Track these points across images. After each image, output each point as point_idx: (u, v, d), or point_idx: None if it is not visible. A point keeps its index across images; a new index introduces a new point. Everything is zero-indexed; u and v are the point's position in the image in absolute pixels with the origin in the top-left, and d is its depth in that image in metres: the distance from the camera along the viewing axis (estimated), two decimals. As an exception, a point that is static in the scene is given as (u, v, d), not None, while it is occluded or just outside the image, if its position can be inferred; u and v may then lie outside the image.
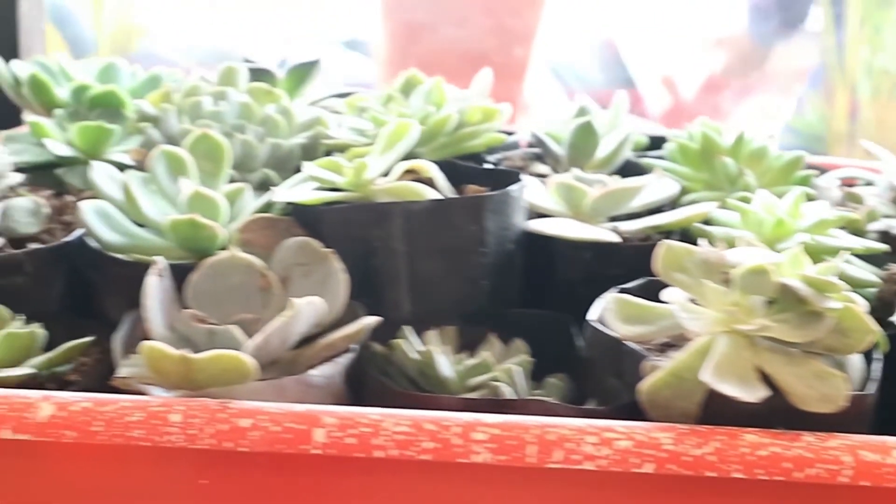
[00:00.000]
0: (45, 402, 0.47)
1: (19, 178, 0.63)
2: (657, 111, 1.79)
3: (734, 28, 1.78)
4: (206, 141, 0.63)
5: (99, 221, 0.59)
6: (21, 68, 0.77)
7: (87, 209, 0.59)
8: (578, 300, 0.59)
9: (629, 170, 0.71)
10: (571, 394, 0.55)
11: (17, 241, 0.61)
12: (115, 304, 0.59)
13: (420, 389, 0.54)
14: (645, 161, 0.72)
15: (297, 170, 0.68)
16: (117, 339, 0.54)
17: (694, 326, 0.48)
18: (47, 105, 0.75)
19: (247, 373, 0.49)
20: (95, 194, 0.61)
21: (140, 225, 0.60)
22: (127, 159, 0.69)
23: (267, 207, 0.60)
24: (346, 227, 0.57)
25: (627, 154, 0.73)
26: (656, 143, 0.79)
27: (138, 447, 0.47)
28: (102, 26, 1.81)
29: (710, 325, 0.48)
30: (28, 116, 0.73)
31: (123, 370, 0.52)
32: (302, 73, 0.78)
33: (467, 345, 0.57)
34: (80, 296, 0.61)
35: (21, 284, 0.58)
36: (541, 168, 0.73)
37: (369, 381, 0.53)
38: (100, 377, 0.54)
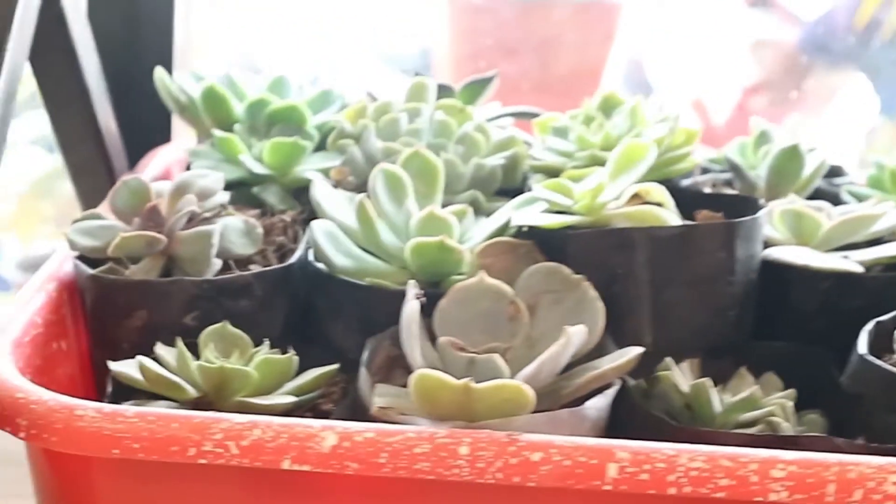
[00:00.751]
0: (329, 432, 0.45)
1: (227, 196, 0.61)
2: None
3: (781, 39, 1.74)
4: (419, 160, 0.61)
5: (329, 244, 0.57)
6: (188, 82, 0.76)
7: (319, 231, 0.57)
8: (813, 331, 0.58)
9: (820, 195, 0.70)
10: (830, 429, 0.53)
11: (232, 263, 0.59)
12: (342, 328, 0.57)
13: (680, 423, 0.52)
14: (847, 187, 0.70)
15: (500, 191, 0.67)
16: (364, 367, 0.52)
17: None
18: (222, 120, 0.73)
19: (526, 404, 0.47)
20: (318, 214, 0.59)
21: (360, 246, 0.59)
22: (317, 176, 0.67)
23: (501, 230, 0.58)
24: (588, 252, 0.55)
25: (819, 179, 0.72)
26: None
27: (422, 480, 0.45)
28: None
29: None
30: (211, 132, 0.71)
31: (380, 399, 0.50)
32: (476, 89, 0.77)
33: (711, 377, 0.55)
34: (300, 319, 0.59)
35: (246, 308, 0.56)
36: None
37: (634, 414, 0.51)
38: (350, 405, 0.52)
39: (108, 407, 0.46)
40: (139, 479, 0.48)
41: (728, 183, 0.74)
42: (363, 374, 0.52)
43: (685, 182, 0.72)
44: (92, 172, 0.77)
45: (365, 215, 0.56)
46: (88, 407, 0.46)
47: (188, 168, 0.69)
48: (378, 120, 0.68)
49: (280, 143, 0.67)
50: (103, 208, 0.64)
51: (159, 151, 0.81)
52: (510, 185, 0.68)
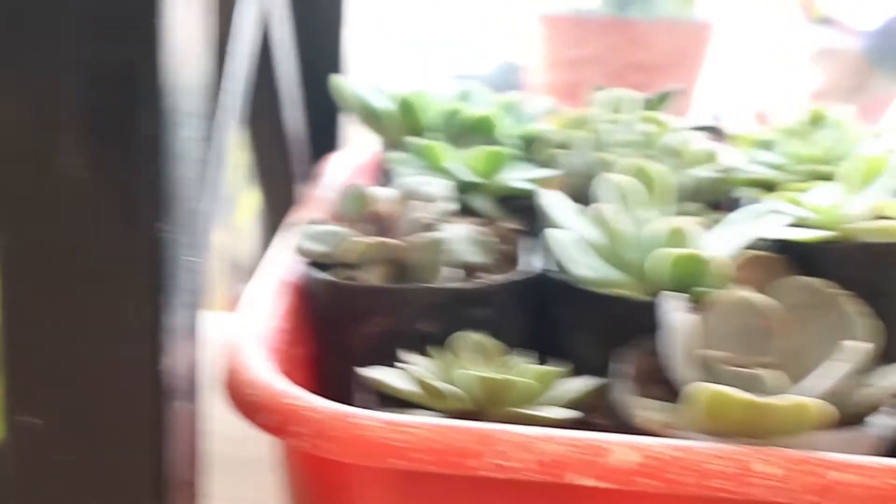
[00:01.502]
0: (622, 447, 0.44)
1: (452, 204, 0.60)
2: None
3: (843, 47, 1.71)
4: (640, 171, 0.60)
5: (569, 254, 0.56)
6: (367, 90, 0.75)
7: (558, 241, 0.56)
8: None
9: None
10: None
11: (463, 271, 0.58)
12: (582, 338, 0.56)
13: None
14: None
15: (712, 204, 0.66)
16: (622, 379, 0.51)
17: None
18: (412, 129, 0.72)
19: (817, 422, 0.46)
20: (546, 224, 0.58)
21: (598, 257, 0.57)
22: (521, 185, 0.67)
23: (749, 244, 0.57)
24: (842, 267, 0.54)
25: None
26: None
27: (724, 500, 0.44)
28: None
29: None
30: (403, 140, 0.70)
31: (648, 413, 0.49)
32: (658, 101, 0.76)
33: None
34: (533, 328, 0.58)
35: (485, 316, 0.55)
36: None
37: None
38: (615, 419, 0.51)
39: (388, 416, 0.45)
40: (406, 489, 0.47)
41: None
42: (623, 387, 0.50)
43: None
44: (277, 176, 0.76)
45: (608, 227, 0.55)
46: (370, 417, 0.45)
47: (389, 175, 0.69)
48: (583, 130, 0.67)
49: (487, 152, 0.66)
50: (318, 213, 0.63)
51: (333, 157, 0.80)
52: (717, 198, 0.67)
